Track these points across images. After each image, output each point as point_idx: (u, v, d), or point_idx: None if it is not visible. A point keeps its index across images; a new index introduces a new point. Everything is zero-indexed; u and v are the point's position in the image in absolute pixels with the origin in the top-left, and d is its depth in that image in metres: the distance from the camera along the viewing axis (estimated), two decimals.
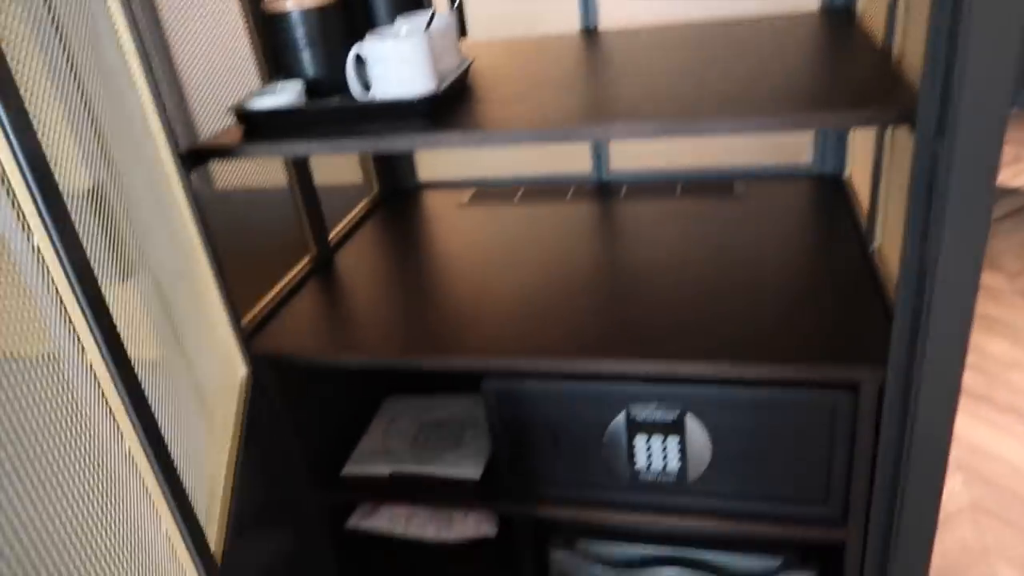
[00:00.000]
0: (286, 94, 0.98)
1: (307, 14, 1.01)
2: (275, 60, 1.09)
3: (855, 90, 0.83)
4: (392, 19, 1.11)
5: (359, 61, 0.96)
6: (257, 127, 0.99)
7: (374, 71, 0.94)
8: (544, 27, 1.39)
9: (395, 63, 0.92)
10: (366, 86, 0.96)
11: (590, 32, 1.34)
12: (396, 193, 1.60)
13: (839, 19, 1.18)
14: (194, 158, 0.94)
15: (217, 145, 0.94)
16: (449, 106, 0.96)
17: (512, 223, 1.38)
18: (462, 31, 1.14)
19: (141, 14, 0.84)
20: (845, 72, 0.91)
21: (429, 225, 1.45)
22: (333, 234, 1.39)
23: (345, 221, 1.45)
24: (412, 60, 0.91)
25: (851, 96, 0.81)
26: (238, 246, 1.11)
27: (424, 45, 0.92)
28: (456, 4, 1.12)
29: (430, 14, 0.98)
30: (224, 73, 1.10)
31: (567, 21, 1.37)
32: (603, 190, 1.47)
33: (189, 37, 1.06)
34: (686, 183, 1.44)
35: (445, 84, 0.96)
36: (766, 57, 1.00)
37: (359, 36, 1.11)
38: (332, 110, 0.96)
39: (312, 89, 1.03)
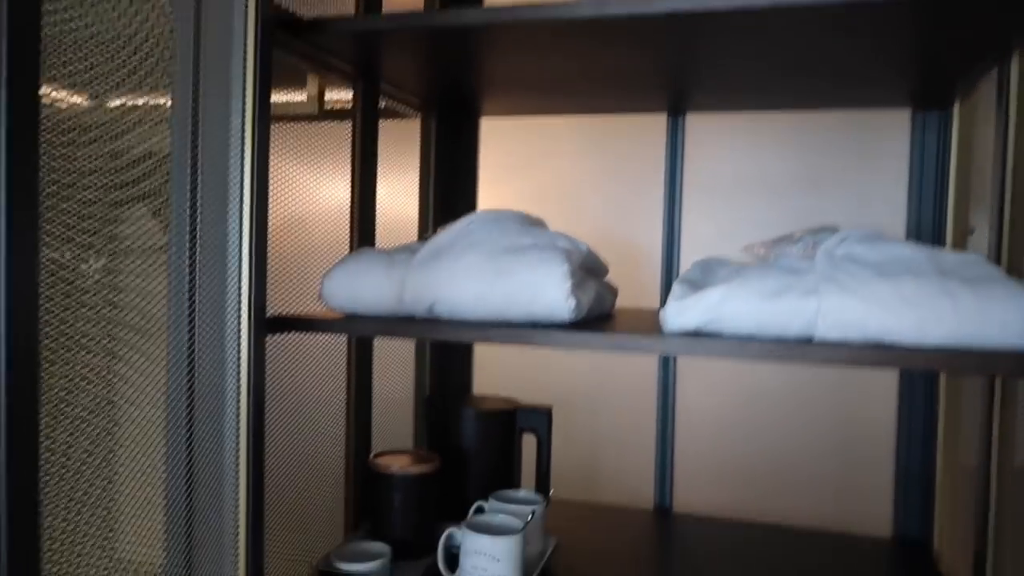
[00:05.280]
0: (373, 561, 1.00)
1: (408, 480, 1.08)
2: (365, 511, 1.15)
3: None
4: (483, 488, 1.18)
5: (451, 542, 0.99)
6: None
7: (465, 559, 0.96)
8: (616, 493, 1.45)
9: (488, 558, 0.94)
10: (452, 566, 0.98)
11: (664, 513, 1.38)
12: None
13: (915, 554, 1.19)
14: None
15: None
16: None
17: None
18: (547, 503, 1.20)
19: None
20: None
21: None
22: None
23: None
24: (505, 559, 0.94)
25: None
26: None
27: (519, 546, 0.95)
28: (550, 495, 1.18)
29: (530, 512, 1.03)
30: (313, 522, 1.15)
31: (643, 496, 1.43)
32: None
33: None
34: None
35: None
36: None
37: (450, 501, 1.18)
38: None
39: (397, 549, 1.06)
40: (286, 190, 1.10)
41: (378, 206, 1.28)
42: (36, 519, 0.66)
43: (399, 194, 1.42)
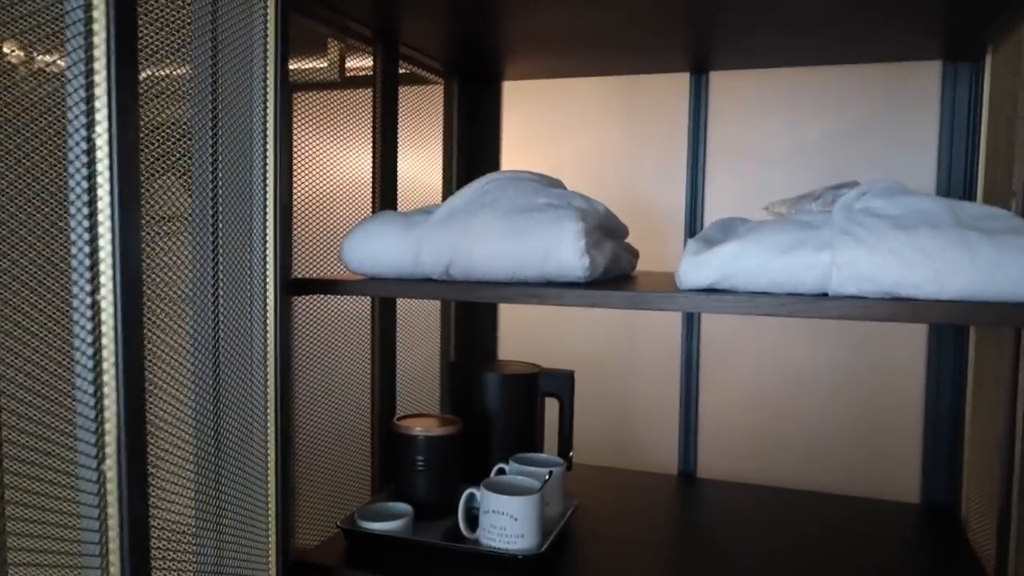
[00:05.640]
0: (396, 520, 1.02)
1: (431, 441, 1.10)
2: (390, 472, 1.17)
3: None
4: (505, 451, 1.19)
5: (471, 502, 1.00)
6: (362, 546, 1.02)
7: (484, 519, 0.98)
8: (641, 458, 1.45)
9: (505, 517, 0.96)
10: (472, 525, 1.00)
11: (687, 477, 1.38)
12: None
13: (942, 519, 1.17)
14: (297, 572, 0.97)
15: (321, 563, 0.97)
16: (548, 564, 0.97)
17: None
18: (568, 466, 1.20)
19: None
20: None
21: None
22: None
23: None
24: (522, 518, 0.95)
25: None
26: None
27: (536, 506, 0.96)
28: (571, 458, 1.19)
29: (547, 473, 1.04)
30: (338, 483, 1.17)
31: (667, 462, 1.43)
32: None
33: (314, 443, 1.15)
34: None
35: (548, 541, 0.98)
36: (866, 555, 0.99)
37: (473, 464, 1.19)
38: (438, 549, 0.99)
39: (420, 509, 1.08)
40: (309, 160, 1.11)
41: (403, 175, 1.29)
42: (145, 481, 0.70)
43: (423, 161, 1.42)
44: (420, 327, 1.41)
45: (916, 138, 1.27)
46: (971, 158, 1.20)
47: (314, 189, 1.13)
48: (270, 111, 0.92)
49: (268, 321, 0.93)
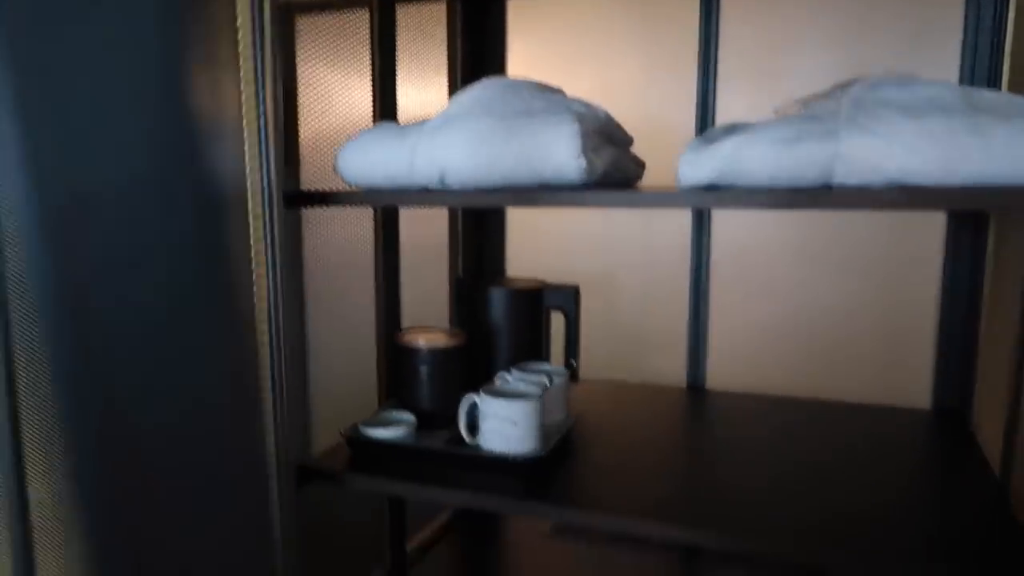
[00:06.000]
0: (398, 427, 1.03)
1: (434, 353, 1.10)
2: (394, 385, 1.18)
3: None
4: (511, 364, 1.19)
5: (473, 409, 1.01)
6: (364, 453, 1.03)
7: (484, 423, 0.98)
8: (652, 376, 1.45)
9: (505, 422, 0.96)
10: (473, 431, 1.01)
11: (696, 390, 1.37)
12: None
13: (952, 424, 1.16)
14: (301, 475, 0.98)
15: (324, 468, 0.99)
16: (550, 468, 0.98)
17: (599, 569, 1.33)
18: (573, 377, 1.20)
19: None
20: (960, 512, 0.87)
21: (509, 555, 1.41)
22: (410, 548, 1.37)
23: (423, 535, 1.44)
24: (522, 423, 0.96)
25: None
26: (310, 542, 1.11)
27: (537, 410, 0.96)
28: (574, 366, 1.19)
29: (549, 377, 1.04)
30: (347, 393, 1.18)
31: (676, 374, 1.42)
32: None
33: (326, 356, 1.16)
34: None
35: (548, 447, 0.98)
36: (875, 462, 0.99)
37: (478, 377, 1.19)
38: (439, 454, 1.00)
39: (423, 420, 1.09)
40: (311, 87, 1.09)
41: (406, 100, 1.26)
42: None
43: (428, 85, 1.39)
44: (429, 246, 1.40)
45: (938, 54, 1.21)
46: (995, 57, 1.14)
47: (317, 117, 1.11)
48: (267, 25, 0.89)
49: (267, 233, 0.92)
